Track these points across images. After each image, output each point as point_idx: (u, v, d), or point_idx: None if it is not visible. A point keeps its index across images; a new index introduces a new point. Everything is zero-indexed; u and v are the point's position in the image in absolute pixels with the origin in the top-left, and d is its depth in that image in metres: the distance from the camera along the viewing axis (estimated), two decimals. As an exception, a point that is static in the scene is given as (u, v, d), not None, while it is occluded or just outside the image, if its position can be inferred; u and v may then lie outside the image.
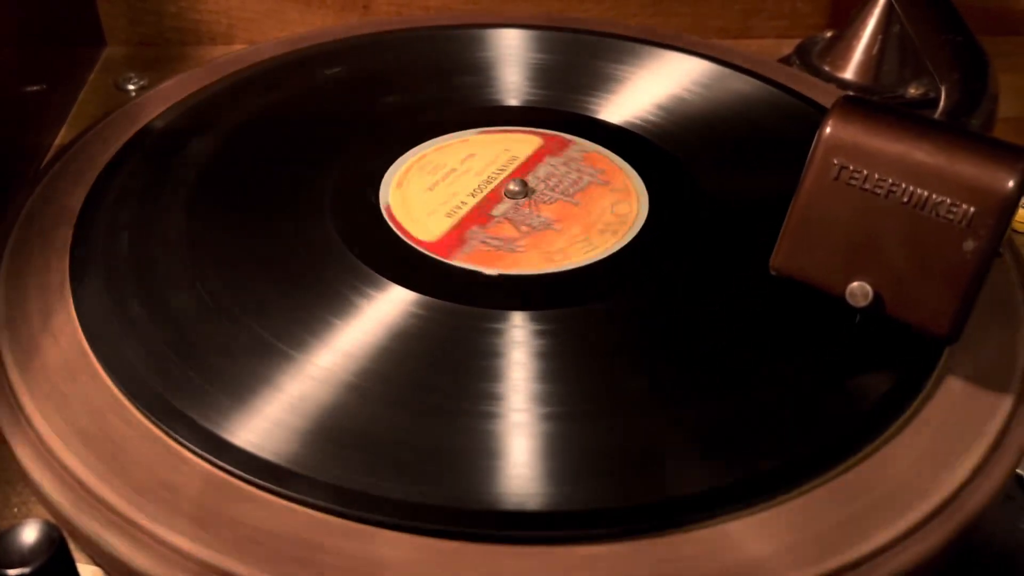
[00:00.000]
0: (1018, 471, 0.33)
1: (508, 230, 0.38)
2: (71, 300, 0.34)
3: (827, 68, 0.56)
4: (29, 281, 0.35)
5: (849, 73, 0.55)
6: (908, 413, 0.31)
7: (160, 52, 0.58)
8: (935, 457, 0.30)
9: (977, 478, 0.29)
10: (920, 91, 0.53)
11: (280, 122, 0.45)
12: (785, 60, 0.58)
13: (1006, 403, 0.32)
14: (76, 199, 0.39)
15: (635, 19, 0.60)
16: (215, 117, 0.44)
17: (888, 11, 0.53)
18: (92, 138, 0.43)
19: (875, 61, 0.55)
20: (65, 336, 0.33)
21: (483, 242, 0.37)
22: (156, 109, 0.44)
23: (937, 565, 0.28)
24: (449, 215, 0.39)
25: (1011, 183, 0.29)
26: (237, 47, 0.58)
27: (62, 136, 0.50)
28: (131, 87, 0.54)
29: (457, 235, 0.38)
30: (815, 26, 0.61)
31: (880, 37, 0.54)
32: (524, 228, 0.38)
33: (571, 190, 0.40)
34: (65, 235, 0.37)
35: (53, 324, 0.33)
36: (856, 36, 0.55)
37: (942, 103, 0.38)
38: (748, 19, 0.62)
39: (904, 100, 0.54)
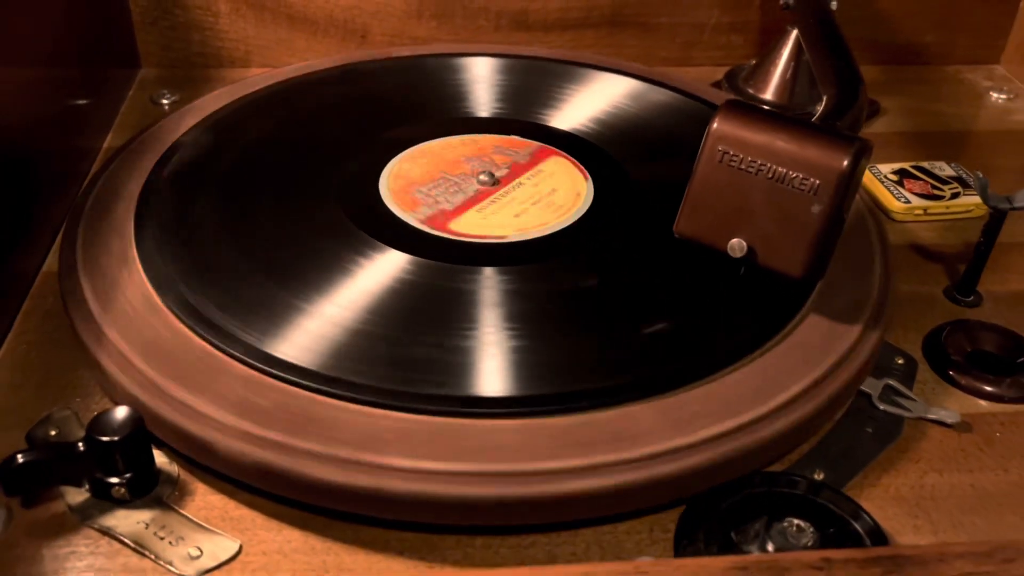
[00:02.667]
0: (862, 388, 0.43)
1: (477, 210, 0.48)
2: (135, 251, 0.44)
3: (751, 91, 0.66)
4: (103, 235, 0.45)
5: (769, 94, 0.66)
6: (778, 338, 0.41)
7: (187, 73, 0.68)
8: (792, 369, 0.40)
9: (819, 385, 0.39)
10: (826, 109, 0.64)
11: (295, 130, 0.55)
12: (716, 84, 0.68)
13: (854, 332, 0.42)
14: (139, 176, 0.49)
15: (591, 50, 0.70)
16: (244, 124, 0.54)
17: (799, 43, 0.64)
18: (148, 136, 0.53)
19: (789, 84, 0.65)
20: (132, 277, 0.42)
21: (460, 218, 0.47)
22: (196, 118, 0.54)
23: (787, 444, 0.38)
24: (435, 200, 0.49)
25: (845, 162, 0.39)
26: (253, 70, 0.68)
27: (108, 140, 0.60)
28: (164, 101, 0.64)
29: (440, 214, 0.48)
30: (746, 56, 0.71)
31: (793, 64, 0.65)
32: (490, 208, 0.48)
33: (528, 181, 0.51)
34: (129, 205, 0.47)
35: (122, 268, 0.43)
36: (773, 63, 0.66)
37: (820, 109, 0.48)
38: (689, 50, 0.72)
39: (812, 115, 0.64)
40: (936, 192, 0.56)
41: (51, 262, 0.49)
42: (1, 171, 0.45)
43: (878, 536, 0.35)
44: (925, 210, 0.55)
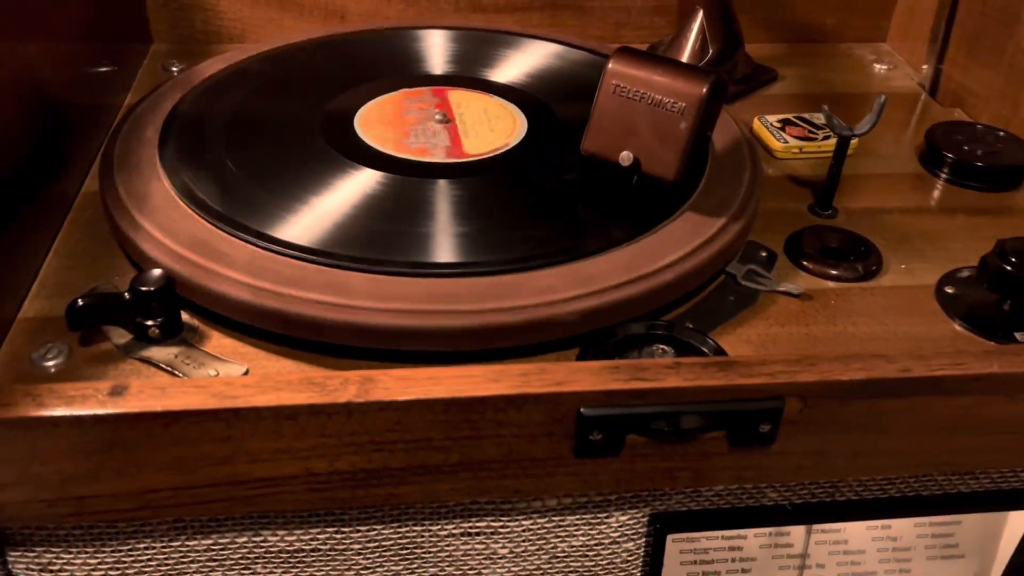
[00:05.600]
0: (728, 269, 0.55)
1: (439, 139, 0.60)
2: (159, 164, 0.56)
3: (668, 60, 0.79)
4: (134, 154, 0.57)
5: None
6: (660, 225, 0.53)
7: (192, 47, 0.80)
8: (670, 245, 0.52)
9: (689, 256, 0.51)
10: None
11: (284, 84, 0.67)
12: (640, 55, 0.81)
13: (720, 222, 0.54)
14: (162, 113, 0.61)
15: (535, 29, 0.82)
16: (243, 78, 0.67)
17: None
18: (169, 84, 0.65)
19: (698, 55, 0.78)
20: (157, 183, 0.55)
21: (420, 146, 0.60)
22: (209, 71, 0.67)
23: (662, 299, 0.50)
24: (399, 133, 0.61)
25: (704, 89, 0.52)
26: (248, 45, 0.80)
27: (128, 98, 0.72)
28: (174, 69, 0.76)
29: (403, 142, 0.60)
30: (668, 35, 0.84)
31: (701, 38, 0.78)
32: (450, 138, 0.60)
33: (474, 120, 0.63)
34: (155, 131, 0.59)
35: (150, 177, 0.55)
36: (685, 38, 0.78)
37: (707, 57, 0.61)
38: (619, 29, 0.85)
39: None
40: (811, 135, 0.69)
41: (88, 185, 0.61)
42: (44, 119, 0.57)
43: (720, 354, 0.47)
44: (800, 148, 0.68)
